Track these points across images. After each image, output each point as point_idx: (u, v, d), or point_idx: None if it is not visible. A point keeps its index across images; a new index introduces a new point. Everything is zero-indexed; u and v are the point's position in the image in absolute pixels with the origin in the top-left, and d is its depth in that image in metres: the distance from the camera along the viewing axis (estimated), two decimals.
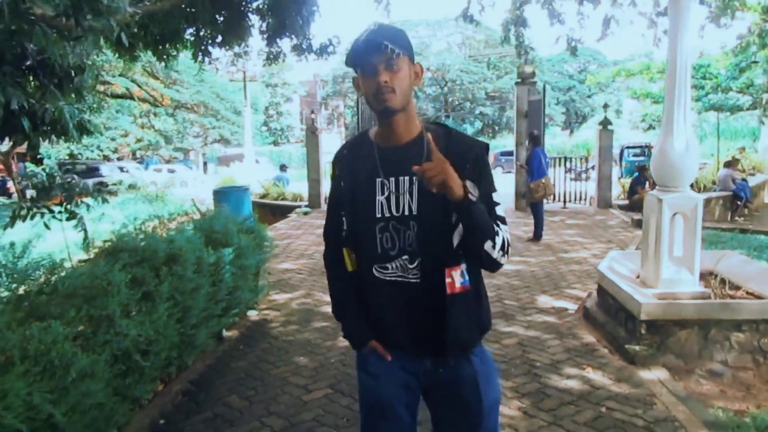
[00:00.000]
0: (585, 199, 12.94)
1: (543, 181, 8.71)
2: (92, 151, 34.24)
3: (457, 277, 1.63)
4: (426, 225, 1.62)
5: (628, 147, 22.93)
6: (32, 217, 4.55)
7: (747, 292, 4.74)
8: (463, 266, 1.65)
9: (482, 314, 1.74)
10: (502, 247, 1.60)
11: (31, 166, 24.02)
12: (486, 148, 1.69)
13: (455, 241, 1.60)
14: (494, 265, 1.62)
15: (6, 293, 2.92)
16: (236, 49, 9.11)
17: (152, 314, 3.37)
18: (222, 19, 8.04)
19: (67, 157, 32.04)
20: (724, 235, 9.32)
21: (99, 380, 2.75)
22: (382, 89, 1.55)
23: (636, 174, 12.99)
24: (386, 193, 1.65)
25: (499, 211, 1.67)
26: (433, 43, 51.25)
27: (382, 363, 1.73)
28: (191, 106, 30.61)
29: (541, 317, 5.25)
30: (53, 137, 4.60)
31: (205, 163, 40.70)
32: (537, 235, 8.85)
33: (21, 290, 2.96)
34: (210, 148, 40.99)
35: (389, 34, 1.57)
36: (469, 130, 47.54)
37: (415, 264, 1.64)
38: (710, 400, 3.69)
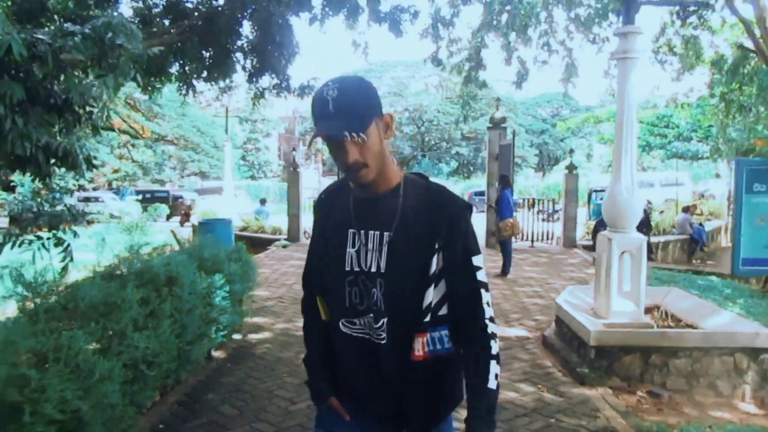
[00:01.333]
0: (552, 239, 13.60)
1: (511, 220, 9.32)
2: (66, 181, 34.31)
3: (419, 346, 1.53)
4: (393, 285, 1.52)
5: (595, 190, 23.79)
6: (20, 245, 4.85)
7: (687, 324, 5.31)
8: (436, 334, 1.56)
9: (451, 386, 1.64)
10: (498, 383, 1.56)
11: (2, 194, 23.99)
12: (467, 207, 1.59)
13: (426, 302, 1.52)
14: None
15: (31, 306, 3.34)
16: (221, 84, 9.66)
17: (157, 330, 3.79)
18: (208, 55, 8.58)
19: (40, 186, 32.06)
20: (679, 275, 9.98)
21: (115, 383, 3.16)
22: (354, 167, 1.46)
23: (601, 216, 13.72)
24: (357, 246, 1.56)
25: (481, 276, 1.57)
26: (411, 84, 52.53)
27: (341, 422, 1.66)
28: (171, 139, 31.01)
29: (503, 343, 5.73)
30: (62, 169, 5.05)
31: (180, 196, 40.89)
32: (505, 271, 9.41)
33: (45, 304, 3.37)
34: (187, 181, 41.25)
35: (351, 106, 1.43)
36: (445, 170, 48.59)
37: (379, 324, 1.54)
38: (648, 416, 4.20)
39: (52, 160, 4.64)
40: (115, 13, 4.70)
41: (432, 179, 1.66)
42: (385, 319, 1.53)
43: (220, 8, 8.25)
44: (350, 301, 1.58)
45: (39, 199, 6.54)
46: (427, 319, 1.52)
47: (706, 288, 8.84)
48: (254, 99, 9.32)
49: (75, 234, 5.01)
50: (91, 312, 3.38)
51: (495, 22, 11.01)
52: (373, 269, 1.54)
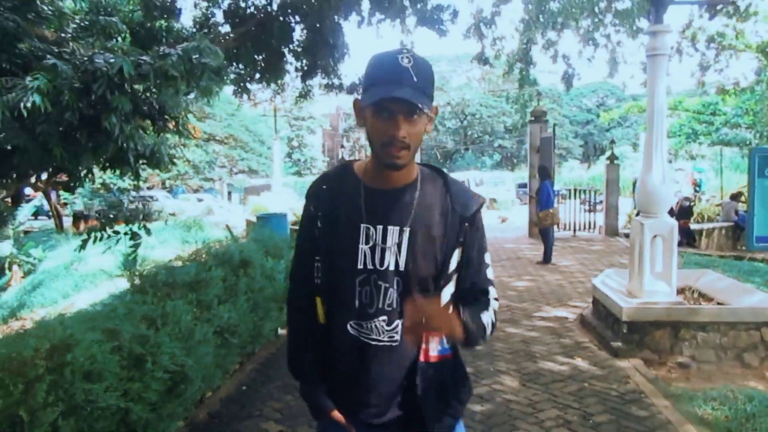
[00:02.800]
0: (594, 228, 13.85)
1: (551, 210, 9.70)
2: (123, 181, 35.95)
3: (434, 346, 1.51)
4: (412, 284, 1.45)
5: None
6: (101, 239, 5.51)
7: (717, 303, 5.66)
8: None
9: (459, 387, 1.61)
10: (491, 333, 1.56)
11: (65, 195, 25.34)
12: (483, 204, 1.57)
13: (444, 302, 1.49)
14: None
15: (138, 282, 3.98)
16: (272, 86, 10.29)
17: (236, 304, 4.40)
18: (261, 58, 9.18)
19: (100, 187, 33.69)
20: (719, 260, 10.15)
21: (209, 346, 3.78)
22: (397, 143, 1.37)
23: None
24: (371, 243, 1.47)
25: (489, 273, 1.58)
26: (453, 78, 52.78)
27: None
28: (221, 138, 32.14)
29: (544, 323, 6.19)
30: (148, 167, 5.73)
31: (229, 193, 42.19)
32: (546, 259, 9.79)
33: (149, 281, 4.02)
34: (235, 179, 42.50)
35: (421, 80, 1.37)
36: (488, 162, 48.66)
37: (393, 326, 1.47)
38: (676, 384, 4.61)
39: (141, 160, 5.34)
40: (200, 36, 5.30)
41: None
42: (401, 321, 1.45)
43: (274, 14, 8.85)
44: (360, 302, 1.47)
45: (121, 198, 7.24)
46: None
47: (748, 272, 9.01)
48: (299, 97, 9.90)
49: (148, 230, 5.53)
50: (184, 287, 4.01)
51: (539, 19, 11.33)
52: (391, 267, 1.46)
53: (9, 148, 4.31)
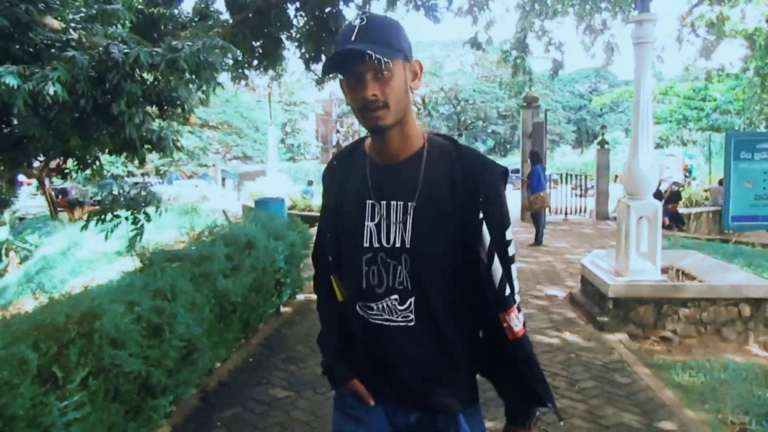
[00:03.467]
0: (585, 212, 14.14)
1: (541, 194, 9.96)
2: (117, 167, 35.96)
3: (513, 320, 1.39)
4: (421, 261, 1.38)
5: None
6: (102, 222, 5.72)
7: (699, 281, 5.93)
8: (517, 308, 1.41)
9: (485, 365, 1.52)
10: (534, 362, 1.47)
11: (57, 181, 25.41)
12: (505, 174, 1.43)
13: (497, 280, 1.38)
14: None
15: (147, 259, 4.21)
16: (270, 72, 10.43)
17: (242, 281, 4.63)
18: (258, 45, 9.31)
19: (93, 172, 33.74)
20: (706, 243, 10.44)
21: (216, 319, 4.03)
22: (370, 104, 1.30)
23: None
24: (377, 219, 1.41)
25: (512, 250, 1.44)
26: (446, 64, 52.73)
27: (364, 407, 1.51)
28: (216, 125, 32.21)
29: (535, 301, 6.46)
30: (154, 153, 5.93)
31: (223, 179, 42.32)
32: (537, 241, 10.07)
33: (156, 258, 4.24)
34: (229, 165, 42.60)
35: (379, 34, 1.30)
36: (482, 148, 48.82)
37: (406, 305, 1.40)
38: (658, 355, 4.89)
39: (147, 145, 5.54)
40: (213, 34, 5.47)
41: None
42: (413, 299, 1.39)
43: (273, 1, 8.98)
44: (367, 283, 1.42)
45: (120, 184, 7.43)
46: (508, 291, 1.39)
47: (732, 253, 9.31)
48: (317, 84, 10.05)
49: (147, 216, 5.75)
50: (192, 263, 4.23)
51: (534, 7, 11.53)
52: (398, 244, 1.38)
53: (22, 135, 4.51)
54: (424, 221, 1.38)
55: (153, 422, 3.31)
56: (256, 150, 37.99)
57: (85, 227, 5.80)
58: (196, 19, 8.72)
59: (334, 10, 8.91)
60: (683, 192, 15.07)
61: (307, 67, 9.67)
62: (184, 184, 33.51)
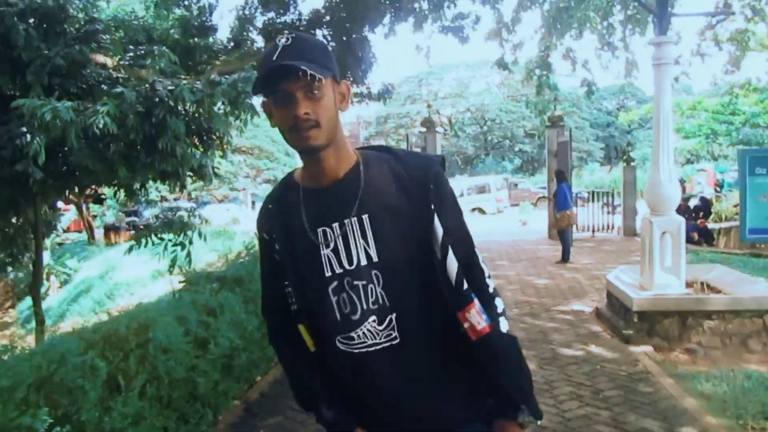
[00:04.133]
0: (613, 229, 14.17)
1: (567, 212, 10.10)
2: (151, 192, 37.00)
3: (475, 317, 1.32)
4: (393, 272, 1.30)
5: None
6: (146, 245, 6.07)
7: (724, 294, 6.01)
8: (478, 304, 1.33)
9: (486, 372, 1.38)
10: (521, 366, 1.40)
11: (95, 207, 26.24)
12: (442, 162, 1.40)
13: (453, 276, 1.31)
14: None
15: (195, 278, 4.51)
16: None
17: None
18: None
19: (126, 199, 34.78)
20: (735, 258, 10.42)
21: (259, 333, 4.29)
22: (302, 124, 1.23)
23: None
24: (332, 245, 1.32)
25: (469, 239, 1.39)
26: (472, 84, 53.05)
27: None
28: (247, 149, 32.92)
29: (562, 315, 6.61)
30: (192, 180, 6.29)
31: (253, 202, 43.04)
32: (565, 258, 10.18)
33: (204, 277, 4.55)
34: (259, 188, 43.36)
35: (307, 52, 1.25)
36: (509, 167, 48.84)
37: (386, 324, 1.32)
38: (682, 366, 4.99)
39: (188, 173, 5.89)
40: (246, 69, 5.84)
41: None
42: (393, 315, 1.31)
43: (302, 28, 9.37)
44: (341, 313, 1.33)
45: (165, 210, 7.80)
46: (465, 286, 1.32)
47: (760, 267, 9.30)
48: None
49: (190, 240, 6.07)
50: (234, 282, 4.53)
51: (557, 26, 11.76)
52: (363, 262, 1.31)
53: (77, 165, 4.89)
54: (384, 230, 1.30)
55: (200, 429, 3.57)
56: (286, 173, 38.72)
57: (130, 250, 6.14)
58: (230, 46, 9.15)
59: (359, 36, 9.22)
60: (713, 207, 14.98)
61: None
62: (216, 208, 34.23)
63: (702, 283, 6.41)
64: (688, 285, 6.17)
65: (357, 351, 1.34)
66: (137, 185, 6.37)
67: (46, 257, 19.35)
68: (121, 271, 16.76)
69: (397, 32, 9.32)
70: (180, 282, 7.58)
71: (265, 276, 1.50)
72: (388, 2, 9.12)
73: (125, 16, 6.15)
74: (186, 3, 8.37)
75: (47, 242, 18.86)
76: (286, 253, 1.38)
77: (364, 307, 1.32)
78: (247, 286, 4.59)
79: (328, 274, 1.33)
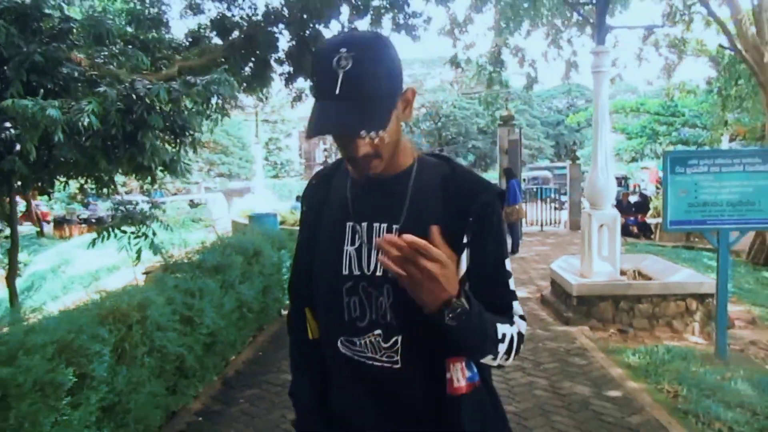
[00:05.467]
0: (560, 223, 14.98)
1: (516, 206, 10.75)
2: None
3: (459, 374, 1.20)
4: (405, 294, 1.10)
5: None
6: (108, 238, 6.34)
7: (654, 281, 6.69)
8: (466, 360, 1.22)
9: (498, 421, 1.30)
10: (508, 352, 1.22)
11: (43, 200, 25.79)
12: (500, 195, 1.28)
13: None
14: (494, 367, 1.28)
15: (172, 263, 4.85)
16: (258, 93, 11.05)
17: (253, 284, 5.30)
18: (248, 68, 9.93)
19: (77, 191, 34.21)
20: (669, 250, 11.31)
21: (235, 315, 4.68)
22: (363, 160, 1.17)
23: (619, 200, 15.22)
24: (357, 243, 1.26)
25: (512, 284, 1.30)
26: (427, 81, 53.89)
27: None
28: (205, 144, 32.80)
29: None
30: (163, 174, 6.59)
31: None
32: (513, 250, 10.83)
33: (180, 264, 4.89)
34: (212, 182, 43.16)
35: (369, 85, 1.09)
36: (463, 163, 49.83)
37: (390, 343, 1.23)
38: (614, 343, 5.61)
39: (160, 167, 6.18)
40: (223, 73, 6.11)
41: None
42: (399, 337, 1.22)
43: (261, 24, 9.59)
44: (349, 315, 1.26)
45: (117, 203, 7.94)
46: None
47: (690, 259, 10.15)
48: (293, 101, 10.72)
49: (153, 232, 6.34)
50: (212, 269, 4.89)
51: (508, 25, 12.36)
52: (379, 272, 1.23)
53: (62, 159, 5.16)
54: None
55: (186, 398, 3.97)
56: (242, 167, 38.59)
57: (93, 243, 6.36)
58: (188, 42, 9.35)
59: (314, 31, 9.40)
60: (652, 203, 15.96)
61: (287, 85, 10.22)
62: (176, 200, 34.00)
63: (635, 271, 7.10)
64: (623, 273, 6.83)
65: (357, 358, 1.27)
66: (106, 177, 6.60)
67: None
68: (75, 265, 16.69)
69: (355, 28, 9.62)
70: (143, 273, 7.86)
71: (296, 251, 1.46)
72: None
73: (90, 13, 6.36)
74: None
75: None
76: (312, 230, 1.37)
77: (373, 317, 1.24)
78: (224, 272, 4.96)
79: (346, 272, 1.26)
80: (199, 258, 4.90)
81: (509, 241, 11.12)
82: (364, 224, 1.27)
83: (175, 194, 40.35)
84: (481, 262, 1.23)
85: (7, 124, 4.88)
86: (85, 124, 4.50)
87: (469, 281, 1.19)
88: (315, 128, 1.12)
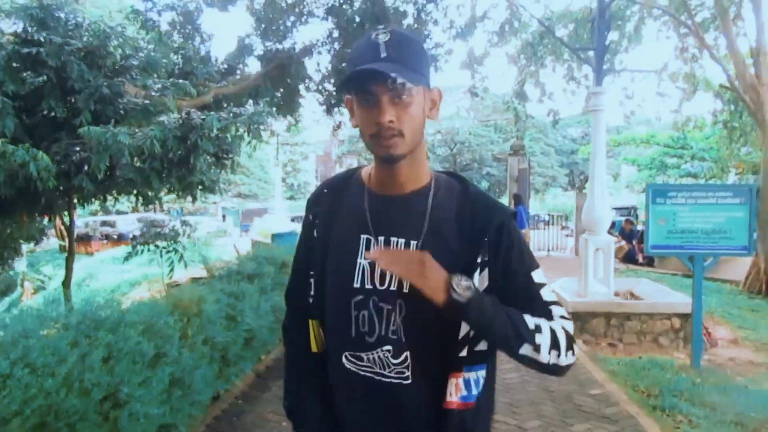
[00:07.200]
0: (567, 249, 15.61)
1: (523, 231, 11.41)
2: (122, 203, 37.43)
3: (453, 389, 1.23)
4: (417, 308, 1.19)
5: (615, 208, 25.47)
6: (141, 253, 7.07)
7: (642, 301, 7.32)
8: (473, 374, 1.25)
9: None
10: (555, 345, 1.22)
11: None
12: (513, 215, 1.34)
13: (463, 332, 1.21)
14: (553, 370, 1.28)
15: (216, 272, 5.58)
16: (289, 119, 11.83)
17: (281, 291, 6.00)
18: (279, 95, 10.69)
19: (99, 210, 35.29)
20: (667, 276, 11.88)
21: (270, 317, 5.39)
22: (385, 131, 1.16)
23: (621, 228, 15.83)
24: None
25: (547, 294, 1.29)
26: (444, 108, 53.73)
27: None
28: (241, 165, 33.88)
29: None
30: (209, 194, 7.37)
31: (224, 216, 43.79)
32: None
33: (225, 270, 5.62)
34: (230, 202, 44.17)
35: (405, 52, 1.15)
36: None
37: (400, 359, 1.23)
38: (603, 354, 6.23)
39: (200, 188, 6.96)
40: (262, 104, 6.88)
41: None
42: (408, 353, 1.23)
43: (293, 56, 10.38)
44: (357, 330, 1.26)
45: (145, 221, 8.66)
46: (464, 353, 1.23)
47: (683, 285, 10.69)
48: (334, 130, 11.53)
49: (184, 247, 7.08)
50: (250, 276, 5.62)
51: (531, 62, 13.13)
52: (392, 287, 1.23)
53: (121, 179, 5.95)
54: None
55: (229, 383, 4.66)
56: (260, 188, 39.55)
57: (127, 258, 7.10)
58: (224, 69, 10.21)
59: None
60: None
61: (328, 112, 10.94)
62: (189, 220, 34.91)
63: (629, 292, 7.73)
64: (617, 294, 7.45)
65: (363, 373, 1.27)
66: (152, 194, 7.38)
67: (22, 264, 19.99)
68: (98, 280, 17.50)
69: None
70: (167, 286, 8.57)
71: (296, 259, 1.46)
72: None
73: (151, 54, 7.23)
74: (186, 31, 9.40)
75: (24, 249, 19.46)
76: (323, 244, 1.33)
77: (383, 333, 1.24)
78: (260, 279, 5.69)
79: (357, 285, 1.26)
80: (235, 268, 5.62)
81: None
82: (381, 238, 1.27)
83: (193, 213, 41.44)
84: (510, 278, 1.27)
85: (76, 148, 5.67)
86: (148, 147, 5.28)
87: (501, 298, 1.22)
88: (346, 81, 1.17)
